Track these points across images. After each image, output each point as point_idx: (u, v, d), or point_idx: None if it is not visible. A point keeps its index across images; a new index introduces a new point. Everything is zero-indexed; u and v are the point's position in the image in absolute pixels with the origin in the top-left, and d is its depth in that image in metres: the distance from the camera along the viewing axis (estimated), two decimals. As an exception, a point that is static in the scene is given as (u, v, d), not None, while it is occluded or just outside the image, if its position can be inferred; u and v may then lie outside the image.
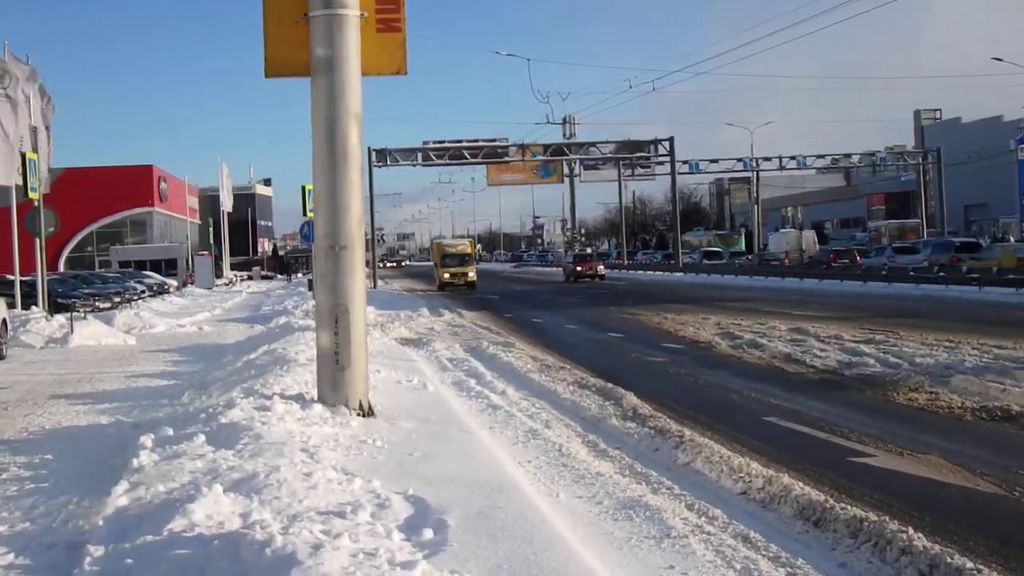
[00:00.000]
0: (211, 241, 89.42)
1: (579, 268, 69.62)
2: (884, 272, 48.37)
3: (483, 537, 6.73)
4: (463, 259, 62.57)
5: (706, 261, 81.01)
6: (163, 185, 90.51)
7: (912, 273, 45.52)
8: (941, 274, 43.97)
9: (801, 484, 9.44)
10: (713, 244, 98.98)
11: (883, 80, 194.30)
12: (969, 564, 7.04)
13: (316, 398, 11.53)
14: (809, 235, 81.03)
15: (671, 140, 79.45)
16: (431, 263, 78.46)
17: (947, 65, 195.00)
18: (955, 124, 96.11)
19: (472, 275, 60.92)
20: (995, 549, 7.68)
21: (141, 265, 70.79)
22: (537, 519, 7.42)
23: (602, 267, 72.03)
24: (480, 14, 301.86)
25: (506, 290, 58.60)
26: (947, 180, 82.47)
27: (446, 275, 60.95)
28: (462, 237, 76.49)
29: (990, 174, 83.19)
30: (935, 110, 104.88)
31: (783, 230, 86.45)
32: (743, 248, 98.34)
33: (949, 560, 7.13)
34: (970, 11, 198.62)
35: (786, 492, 9.21)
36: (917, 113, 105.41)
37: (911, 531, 7.73)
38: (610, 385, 15.91)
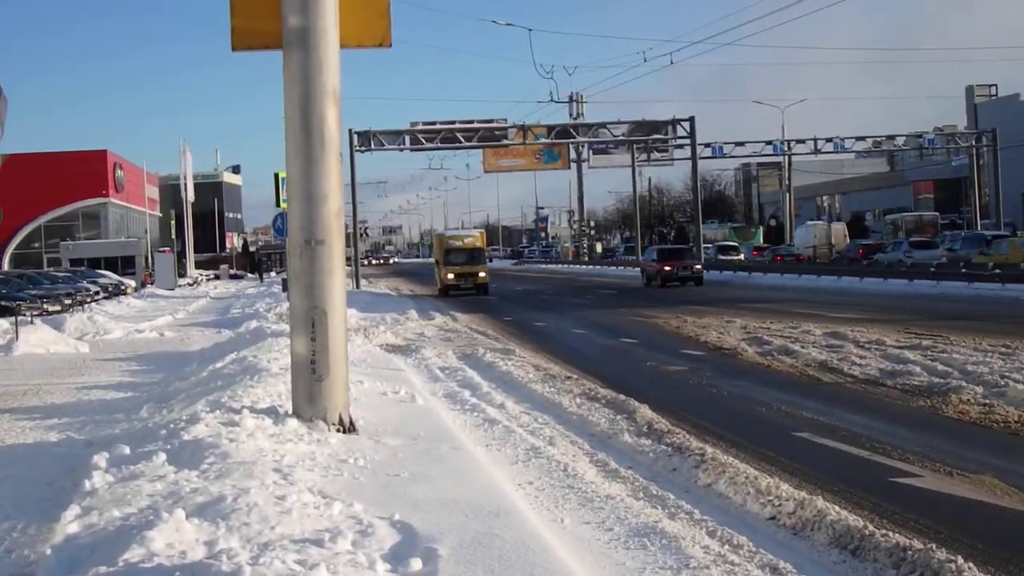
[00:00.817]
0: (173, 236, 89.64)
1: (666, 267, 57.09)
2: (904, 269, 51.62)
3: (478, 568, 6.74)
4: (472, 255, 55.59)
5: (720, 257, 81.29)
6: (119, 173, 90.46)
7: (932, 270, 47.47)
8: (964, 271, 45.83)
9: (837, 508, 9.43)
10: (728, 238, 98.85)
11: (932, 53, 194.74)
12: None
13: (291, 412, 11.53)
14: (839, 228, 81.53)
15: (691, 120, 79.23)
16: (427, 260, 77.23)
17: (1004, 36, 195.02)
18: (1013, 101, 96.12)
19: (483, 275, 54.66)
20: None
21: (95, 263, 70.68)
22: (539, 548, 7.43)
23: (699, 265, 59.57)
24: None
25: (505, 290, 58.59)
26: (1004, 165, 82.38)
27: (450, 276, 54.42)
28: (470, 229, 68.23)
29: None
30: (991, 86, 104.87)
31: (810, 223, 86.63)
32: (761, 242, 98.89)
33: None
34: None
35: (820, 517, 9.20)
36: (970, 89, 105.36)
37: (960, 561, 7.73)
38: (622, 397, 15.91)
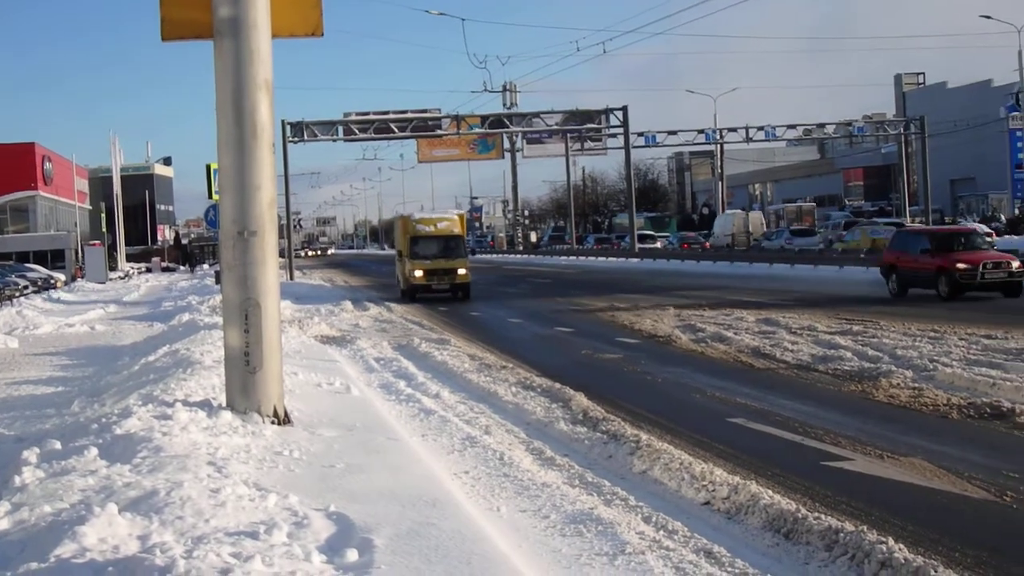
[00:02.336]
0: (104, 229, 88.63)
1: (960, 265, 30.73)
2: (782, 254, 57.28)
3: (415, 558, 6.73)
4: (449, 246, 41.18)
5: (640, 245, 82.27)
6: (48, 165, 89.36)
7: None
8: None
9: (770, 492, 9.52)
10: (645, 227, 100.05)
11: (861, 41, 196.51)
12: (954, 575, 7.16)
13: (224, 404, 11.45)
14: (756, 216, 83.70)
15: (624, 110, 79.46)
16: (363, 252, 71.78)
17: (931, 25, 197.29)
18: (940, 89, 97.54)
19: (464, 272, 40.65)
20: (984, 560, 7.82)
21: (23, 257, 69.73)
22: (476, 537, 7.43)
23: (1018, 263, 31.39)
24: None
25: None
26: (932, 152, 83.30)
27: (418, 273, 40.06)
28: (446, 211, 53.44)
29: (978, 145, 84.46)
30: (918, 74, 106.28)
31: (728, 212, 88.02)
32: (676, 231, 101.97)
33: (933, 573, 7.24)
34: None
35: (754, 501, 9.29)
36: (898, 77, 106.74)
37: (891, 542, 7.83)
38: (558, 385, 15.96)
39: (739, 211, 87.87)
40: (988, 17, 78.82)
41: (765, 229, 78.89)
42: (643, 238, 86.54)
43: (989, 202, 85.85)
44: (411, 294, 40.54)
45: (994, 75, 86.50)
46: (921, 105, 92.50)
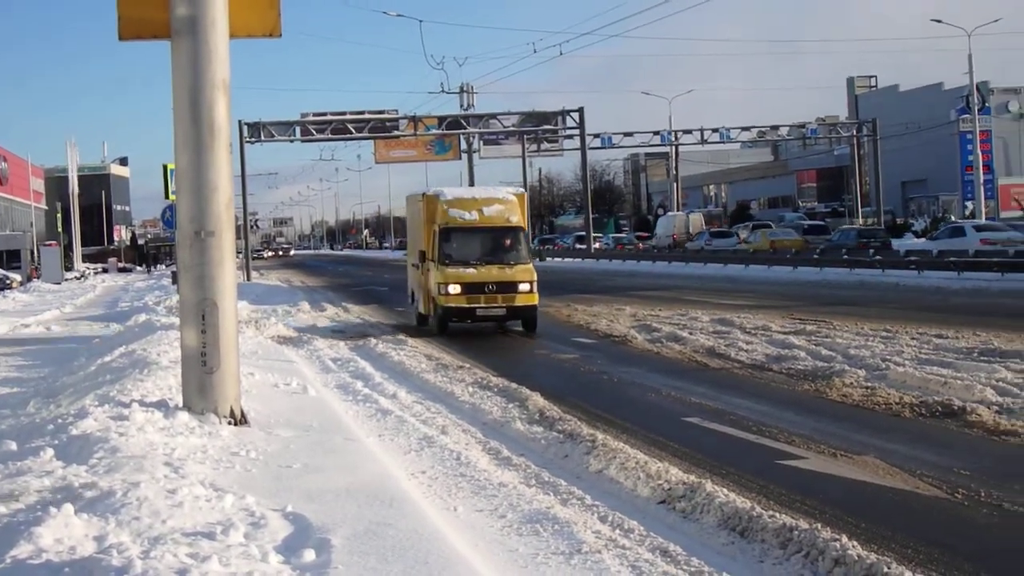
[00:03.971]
0: (59, 229, 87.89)
1: None
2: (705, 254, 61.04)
3: (372, 558, 6.71)
4: (503, 243, 26.64)
5: (579, 246, 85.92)
6: (2, 165, 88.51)
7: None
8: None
9: (725, 491, 9.54)
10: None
11: (814, 44, 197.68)
12: (908, 574, 7.21)
13: (181, 405, 11.39)
14: (696, 218, 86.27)
15: (580, 111, 79.66)
16: (321, 252, 63.84)
17: (883, 28, 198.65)
18: (892, 92, 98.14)
19: (527, 288, 25.72)
20: (935, 557, 7.87)
21: (-22, 257, 69.10)
22: (433, 536, 7.42)
23: None
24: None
25: (398, 280, 58.16)
26: (883, 155, 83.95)
27: (455, 287, 25.58)
28: (496, 188, 31.55)
29: (930, 147, 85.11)
30: (870, 77, 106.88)
31: (671, 213, 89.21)
32: (614, 232, 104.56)
33: (886, 570, 7.28)
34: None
35: (709, 501, 9.31)
36: (851, 80, 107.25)
37: (845, 539, 7.87)
38: (514, 385, 15.95)
39: (680, 213, 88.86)
40: (939, 21, 79.52)
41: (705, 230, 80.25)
42: (581, 239, 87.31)
43: (940, 204, 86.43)
44: (442, 322, 25.29)
45: (945, 78, 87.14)
46: (873, 108, 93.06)
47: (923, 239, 58.01)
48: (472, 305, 25.03)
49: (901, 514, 9.14)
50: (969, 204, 74.50)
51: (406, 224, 34.82)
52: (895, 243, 55.18)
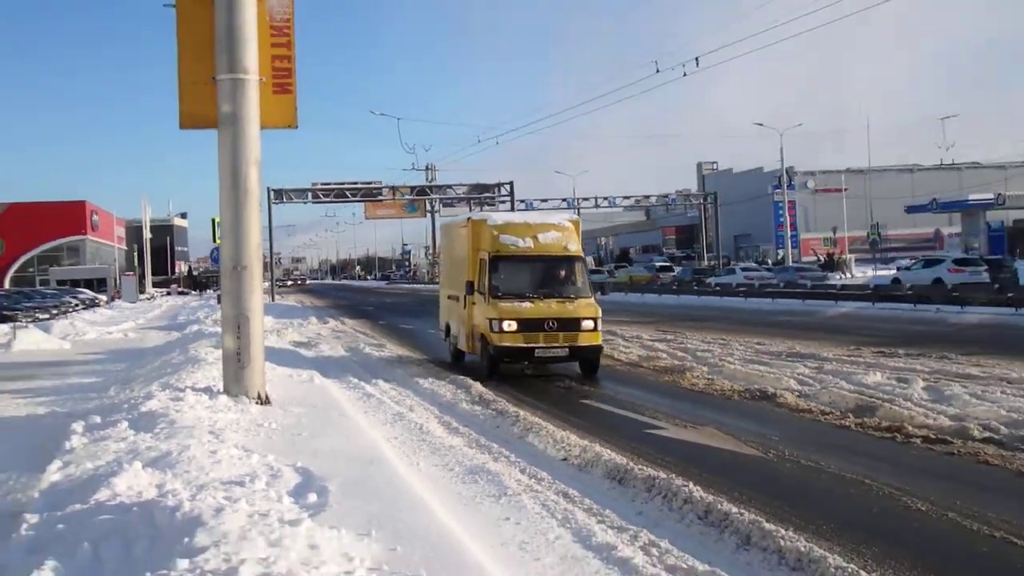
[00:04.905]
0: (136, 263, 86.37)
1: None
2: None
3: (358, 499, 6.66)
4: (561, 274, 17.37)
5: None
6: (95, 218, 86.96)
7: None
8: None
9: (609, 451, 9.60)
10: None
11: (676, 137, 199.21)
12: (734, 509, 7.26)
13: (222, 390, 11.25)
14: (589, 259, 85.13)
15: (511, 184, 79.81)
16: (328, 281, 61.04)
17: (722, 127, 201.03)
18: (727, 173, 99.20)
19: (591, 325, 16.50)
20: (753, 497, 7.94)
21: (76, 283, 67.75)
22: (402, 483, 7.39)
23: None
24: (362, 78, 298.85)
25: (381, 303, 57.93)
26: (722, 216, 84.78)
27: (509, 324, 16.27)
28: (549, 215, 20.48)
29: (754, 212, 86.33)
30: (713, 162, 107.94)
31: None
32: None
33: (719, 507, 7.34)
34: (741, 87, 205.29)
35: (597, 458, 9.35)
36: (699, 164, 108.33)
37: (692, 485, 7.94)
38: (461, 376, 15.91)
39: None
40: (760, 124, 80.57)
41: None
42: None
43: (761, 251, 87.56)
44: (493, 364, 16.63)
45: (765, 163, 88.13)
46: (715, 184, 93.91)
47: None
48: (530, 345, 16.10)
49: (731, 467, 9.22)
50: (780, 252, 75.51)
51: (441, 254, 23.75)
52: (710, 278, 55.84)
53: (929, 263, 42.02)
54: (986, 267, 39.68)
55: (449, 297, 19.57)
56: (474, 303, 17.05)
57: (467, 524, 7.07)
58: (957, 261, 41.16)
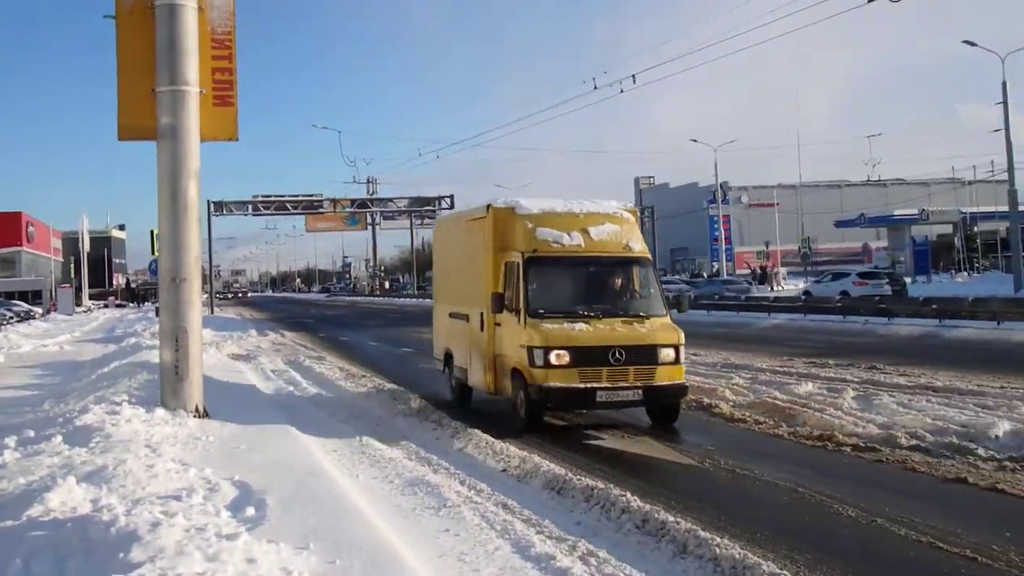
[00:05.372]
0: (72, 276, 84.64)
1: None
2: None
3: (296, 512, 6.58)
4: (621, 279, 12.46)
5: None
6: (31, 229, 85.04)
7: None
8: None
9: (548, 462, 9.59)
10: None
11: (614, 153, 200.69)
12: (671, 518, 7.30)
13: (159, 403, 11.04)
14: None
15: (452, 197, 79.91)
16: (268, 294, 60.13)
17: (659, 142, 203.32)
18: (664, 188, 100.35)
19: (670, 355, 11.61)
20: (691, 505, 8.00)
21: (10, 295, 65.95)
22: (341, 495, 7.31)
23: None
24: (304, 89, 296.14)
25: (320, 315, 57.41)
26: (659, 230, 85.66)
27: (557, 354, 11.31)
28: (598, 203, 13.09)
29: (689, 225, 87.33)
30: (650, 177, 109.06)
31: None
32: None
33: (656, 516, 7.37)
34: (677, 103, 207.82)
35: (536, 469, 9.34)
36: (637, 179, 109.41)
37: (629, 495, 7.96)
38: (401, 388, 15.83)
39: None
40: (695, 140, 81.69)
41: None
42: None
43: (697, 264, 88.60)
44: (535, 413, 11.81)
45: (699, 179, 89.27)
46: (652, 198, 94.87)
47: None
48: (589, 385, 11.33)
49: (668, 477, 9.29)
50: (715, 265, 76.51)
51: (436, 260, 17.54)
52: None
53: (836, 276, 45.63)
54: (888, 280, 42.95)
55: (451, 315, 14.65)
56: (498, 324, 12.38)
57: (406, 536, 7.01)
58: (861, 275, 44.77)
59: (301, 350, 26.97)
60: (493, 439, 10.88)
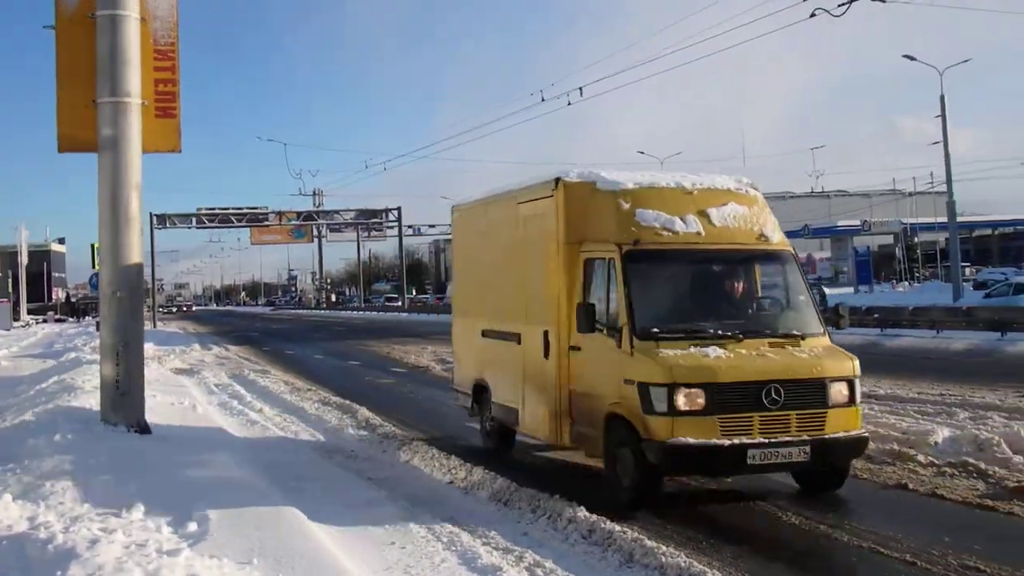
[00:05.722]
0: (10, 290, 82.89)
1: None
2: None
3: (240, 527, 6.51)
4: (744, 284, 9.07)
5: (387, 303, 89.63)
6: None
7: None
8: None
9: (495, 473, 9.56)
10: (391, 292, 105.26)
11: (562, 164, 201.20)
12: (617, 528, 7.32)
13: (100, 418, 10.84)
14: None
15: (399, 209, 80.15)
16: (213, 307, 60.05)
17: (609, 155, 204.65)
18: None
19: (844, 399, 8.12)
20: (637, 516, 8.04)
21: (-56, 311, 64.48)
22: (284, 510, 7.24)
23: None
24: (250, 102, 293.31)
25: (265, 328, 56.85)
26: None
27: (690, 398, 7.73)
28: (720, 178, 9.42)
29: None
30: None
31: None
32: (413, 294, 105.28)
33: (603, 526, 7.40)
34: (624, 116, 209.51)
35: (483, 480, 9.33)
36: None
37: (576, 504, 7.98)
38: (348, 402, 15.74)
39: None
40: (642, 152, 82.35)
41: None
42: (390, 298, 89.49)
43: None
44: (652, 482, 8.22)
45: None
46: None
47: None
48: (736, 441, 7.81)
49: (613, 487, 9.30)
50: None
51: (457, 259, 13.77)
52: None
53: None
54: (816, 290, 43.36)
55: (486, 334, 11.21)
56: (576, 348, 9.06)
57: (352, 550, 6.97)
58: None
59: (245, 364, 26.68)
60: (440, 451, 10.82)
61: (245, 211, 75.08)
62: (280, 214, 76.77)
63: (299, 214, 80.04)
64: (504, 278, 10.79)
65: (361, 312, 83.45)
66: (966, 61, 61.71)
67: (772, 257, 9.15)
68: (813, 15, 25.93)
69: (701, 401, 7.76)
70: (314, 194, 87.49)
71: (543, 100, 38.30)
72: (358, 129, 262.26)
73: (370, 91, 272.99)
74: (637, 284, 8.47)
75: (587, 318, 8.60)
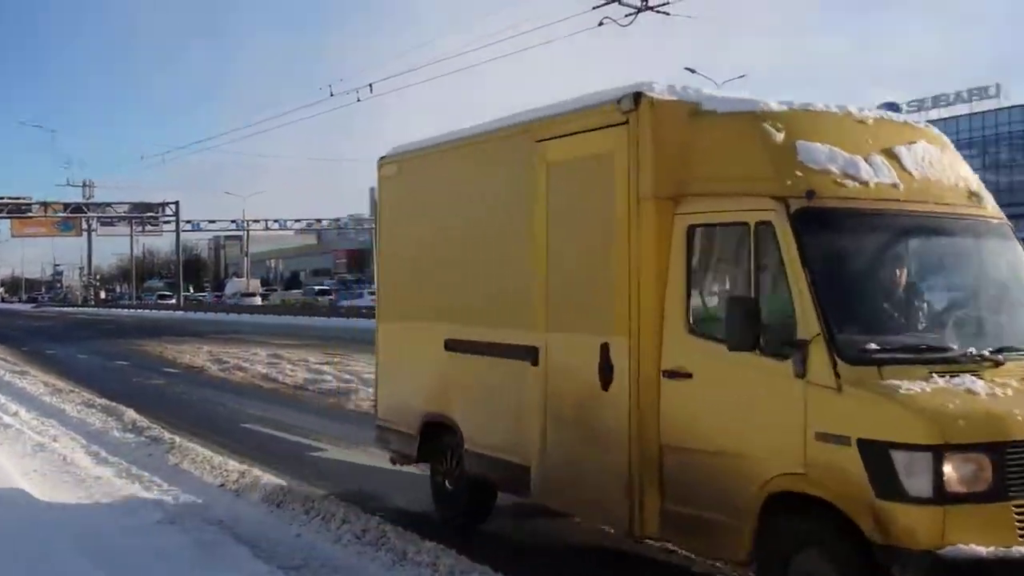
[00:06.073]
0: None
1: None
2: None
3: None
4: (975, 259, 5.77)
5: (160, 301, 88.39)
6: None
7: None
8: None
9: (268, 475, 9.40)
10: (165, 290, 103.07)
11: (350, 162, 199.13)
12: (388, 526, 7.32)
13: None
14: (255, 282, 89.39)
15: (177, 203, 77.12)
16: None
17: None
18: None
19: None
20: (426, 519, 8.06)
21: None
22: (41, 520, 6.80)
23: None
24: (11, 87, 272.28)
25: (25, 326, 53.01)
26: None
27: (974, 471, 4.26)
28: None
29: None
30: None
31: (235, 279, 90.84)
32: (190, 292, 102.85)
33: (377, 526, 7.38)
34: (415, 114, 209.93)
35: (255, 482, 9.12)
36: (372, 189, 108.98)
37: (349, 505, 7.93)
38: (114, 404, 14.91)
39: (241, 279, 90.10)
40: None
41: (261, 290, 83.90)
42: (163, 296, 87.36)
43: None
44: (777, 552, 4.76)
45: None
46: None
47: None
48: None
49: (390, 485, 9.31)
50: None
51: (382, 231, 9.63)
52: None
53: None
54: None
55: (452, 346, 7.58)
56: (685, 375, 5.55)
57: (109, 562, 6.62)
58: None
59: (1, 364, 24.80)
60: (211, 453, 10.49)
61: (6, 201, 69.94)
62: (45, 205, 72.08)
63: (67, 206, 75.43)
64: (497, 259, 7.13)
65: (133, 310, 79.42)
66: (742, 76, 65.40)
67: (991, 230, 5.81)
68: (601, 24, 26.88)
69: (988, 475, 4.39)
70: (84, 185, 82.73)
71: (332, 95, 37.65)
72: (138, 121, 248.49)
73: (151, 83, 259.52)
74: (823, 268, 4.99)
75: (748, 323, 4.99)
